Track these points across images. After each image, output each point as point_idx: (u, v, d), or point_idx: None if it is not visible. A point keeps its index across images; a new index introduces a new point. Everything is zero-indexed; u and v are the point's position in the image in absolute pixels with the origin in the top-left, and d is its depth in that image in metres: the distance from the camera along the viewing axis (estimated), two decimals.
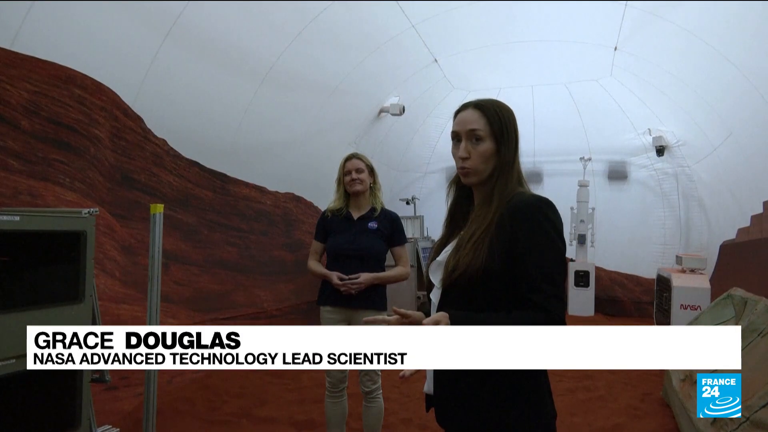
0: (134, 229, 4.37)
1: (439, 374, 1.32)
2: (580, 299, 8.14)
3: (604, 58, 7.14)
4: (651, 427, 3.67)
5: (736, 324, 3.64)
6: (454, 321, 1.19)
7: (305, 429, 3.63)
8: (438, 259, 1.41)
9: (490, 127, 1.34)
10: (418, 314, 1.35)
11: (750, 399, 2.50)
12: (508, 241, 1.25)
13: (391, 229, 2.93)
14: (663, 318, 6.06)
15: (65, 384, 2.19)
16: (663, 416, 3.87)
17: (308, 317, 6.56)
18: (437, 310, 1.32)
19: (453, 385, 1.29)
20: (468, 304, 1.28)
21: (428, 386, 1.38)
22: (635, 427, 3.69)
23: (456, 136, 1.39)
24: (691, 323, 4.31)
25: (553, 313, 1.19)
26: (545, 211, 1.25)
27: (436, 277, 1.37)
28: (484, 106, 1.37)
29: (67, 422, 2.21)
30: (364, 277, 2.78)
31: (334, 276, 2.80)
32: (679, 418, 3.53)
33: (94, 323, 2.43)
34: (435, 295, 1.37)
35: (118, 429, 2.74)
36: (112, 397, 3.71)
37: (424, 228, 8.73)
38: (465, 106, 1.40)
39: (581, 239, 8.37)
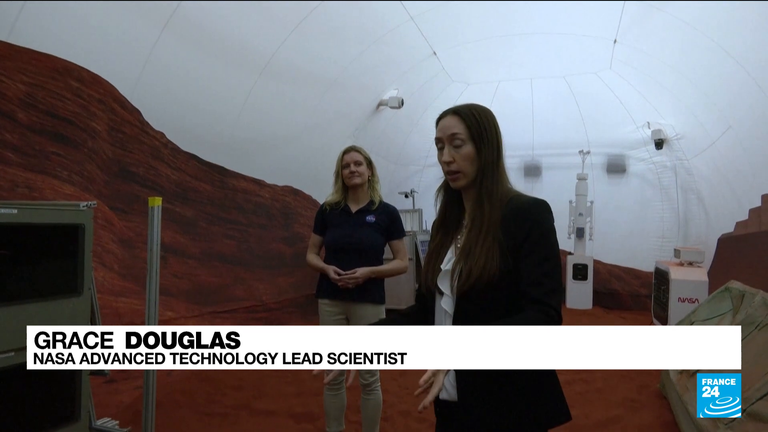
0: (133, 223, 4.37)
1: (463, 380, 1.33)
2: (579, 292, 8.16)
3: (604, 50, 7.12)
4: (648, 419, 3.69)
5: (734, 316, 3.66)
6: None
7: (304, 421, 3.65)
8: (444, 267, 1.41)
9: (469, 131, 1.38)
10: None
11: (747, 391, 2.51)
12: (513, 242, 1.29)
13: (388, 223, 2.93)
14: (661, 311, 6.08)
15: (64, 377, 2.20)
16: (660, 408, 3.89)
17: (307, 310, 6.58)
18: (454, 318, 1.34)
19: (480, 390, 1.30)
20: (487, 307, 1.30)
21: (448, 393, 1.37)
22: (632, 419, 3.70)
23: (439, 143, 1.43)
24: (688, 316, 4.33)
25: (549, 306, 1.23)
26: (544, 213, 1.32)
27: (446, 286, 1.39)
28: (461, 111, 1.41)
29: (67, 415, 2.22)
30: (361, 271, 2.78)
31: (331, 270, 2.80)
32: (676, 410, 3.54)
33: (92, 316, 2.43)
34: (447, 304, 1.37)
35: (117, 422, 2.75)
36: (112, 390, 3.72)
37: (423, 221, 8.73)
38: (445, 113, 1.44)
39: (580, 232, 8.38)
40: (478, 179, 1.38)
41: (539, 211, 1.31)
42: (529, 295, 1.25)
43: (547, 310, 1.22)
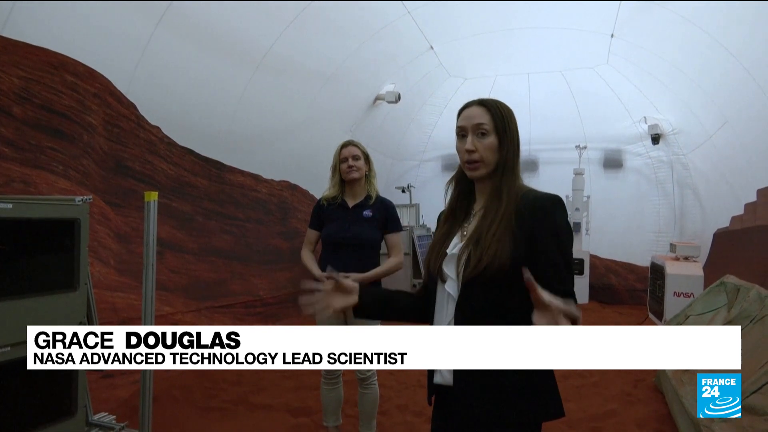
0: (129, 217, 4.35)
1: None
2: (575, 287, 8.16)
3: (601, 45, 7.11)
4: (644, 412, 3.71)
5: (728, 311, 3.68)
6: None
7: (301, 416, 3.65)
8: (451, 251, 1.42)
9: (494, 123, 1.40)
10: (350, 283, 1.46)
11: (741, 384, 2.53)
12: (528, 235, 1.31)
13: (385, 216, 2.92)
14: (656, 305, 6.11)
15: (61, 372, 2.19)
16: (656, 402, 3.91)
17: None
18: (458, 303, 1.35)
19: (475, 377, 1.30)
20: (493, 295, 1.31)
21: (443, 377, 1.39)
22: (628, 412, 3.72)
23: (462, 132, 1.44)
24: (684, 310, 4.34)
25: (574, 296, 1.31)
26: (561, 208, 1.36)
27: (451, 270, 1.40)
28: (488, 103, 1.43)
29: (63, 410, 2.22)
30: (354, 277, 2.74)
31: (322, 276, 2.71)
32: (672, 404, 3.56)
33: (89, 311, 2.42)
34: (451, 287, 1.39)
35: (114, 416, 2.75)
36: (109, 385, 3.72)
37: (420, 216, 8.74)
38: (470, 104, 1.46)
39: (576, 227, 8.39)
40: (497, 172, 1.40)
41: (556, 207, 1.34)
42: (556, 289, 1.24)
43: (575, 302, 1.27)
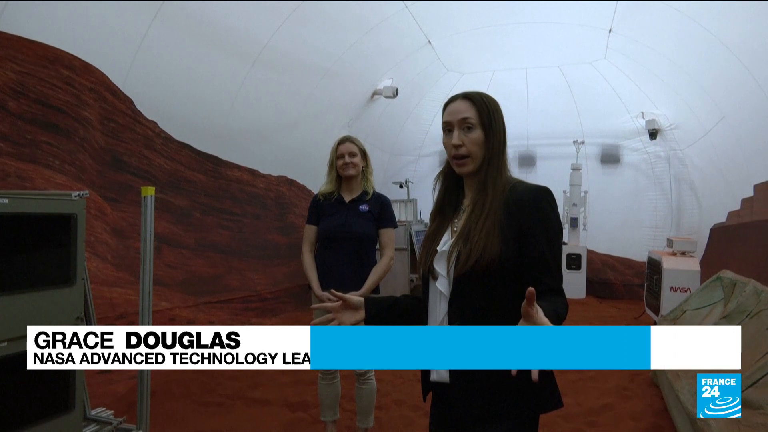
0: (126, 213, 4.34)
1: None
2: (572, 282, 8.20)
3: (599, 40, 7.10)
4: (640, 406, 3.73)
5: (725, 305, 3.69)
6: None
7: (299, 410, 3.66)
8: (441, 249, 1.41)
9: (480, 117, 1.39)
10: (356, 299, 1.47)
11: None
12: (516, 228, 1.30)
13: (380, 210, 2.91)
14: (653, 300, 6.13)
15: None
16: (652, 396, 3.93)
17: (301, 301, 6.58)
18: (450, 300, 1.35)
19: (471, 373, 1.30)
20: (485, 291, 1.30)
21: (439, 375, 1.38)
22: (624, 406, 3.74)
23: (448, 127, 1.42)
24: (680, 305, 4.36)
25: (563, 293, 1.31)
26: (550, 200, 1.34)
27: (441, 267, 1.39)
28: (472, 97, 1.41)
29: (61, 405, 2.22)
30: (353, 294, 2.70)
31: (324, 296, 2.73)
32: (668, 398, 3.58)
33: (86, 307, 2.42)
34: (443, 285, 1.38)
35: (112, 411, 2.75)
36: (106, 380, 3.72)
37: (417, 211, 8.73)
38: (455, 98, 1.44)
39: (573, 222, 8.42)
40: (483, 166, 1.39)
41: (545, 199, 1.33)
42: (545, 284, 1.28)
43: (565, 300, 1.29)
